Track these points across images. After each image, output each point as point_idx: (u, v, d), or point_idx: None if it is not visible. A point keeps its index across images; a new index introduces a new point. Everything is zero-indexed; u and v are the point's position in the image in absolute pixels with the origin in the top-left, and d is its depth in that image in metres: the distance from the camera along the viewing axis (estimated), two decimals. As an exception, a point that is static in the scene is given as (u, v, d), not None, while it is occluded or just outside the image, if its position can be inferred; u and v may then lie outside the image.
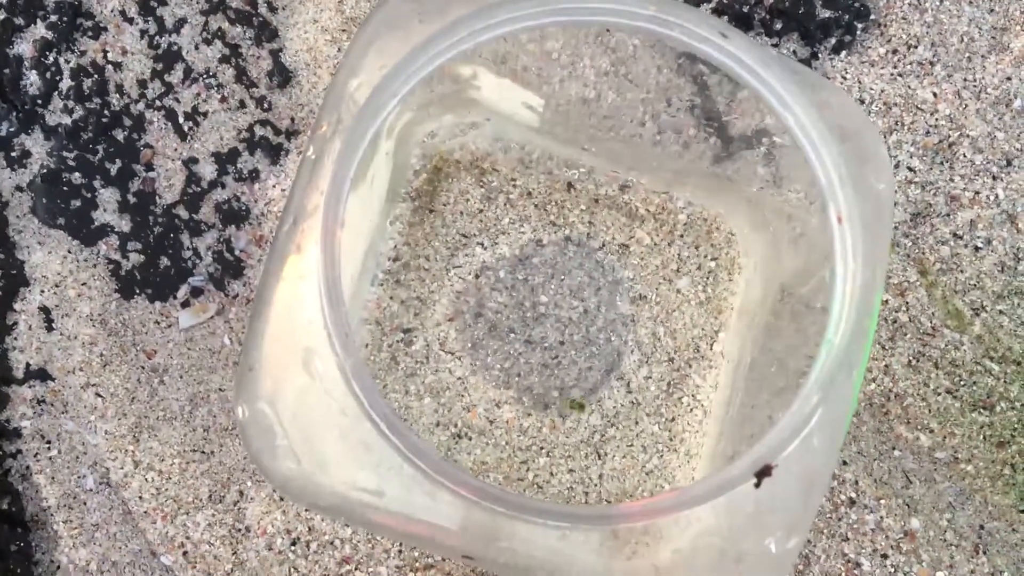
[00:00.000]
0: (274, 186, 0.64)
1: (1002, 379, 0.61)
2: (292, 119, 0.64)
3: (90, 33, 0.64)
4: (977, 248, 0.62)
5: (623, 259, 0.60)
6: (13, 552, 0.60)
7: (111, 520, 0.61)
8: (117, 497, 0.61)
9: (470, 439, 0.58)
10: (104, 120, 0.64)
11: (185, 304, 0.63)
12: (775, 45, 0.64)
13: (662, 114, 0.55)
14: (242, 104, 0.64)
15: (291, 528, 0.61)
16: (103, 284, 0.63)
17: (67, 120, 0.63)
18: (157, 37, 0.64)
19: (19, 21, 0.64)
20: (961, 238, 0.62)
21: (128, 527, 0.61)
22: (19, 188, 0.63)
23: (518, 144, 0.60)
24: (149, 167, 0.64)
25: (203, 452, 0.62)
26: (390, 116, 0.45)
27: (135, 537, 0.61)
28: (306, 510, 0.61)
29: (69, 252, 0.63)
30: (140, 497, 0.61)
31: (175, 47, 0.64)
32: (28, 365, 0.62)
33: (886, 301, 0.62)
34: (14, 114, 0.63)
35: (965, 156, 0.63)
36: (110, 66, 0.64)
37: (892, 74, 0.63)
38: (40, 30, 0.64)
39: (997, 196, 0.62)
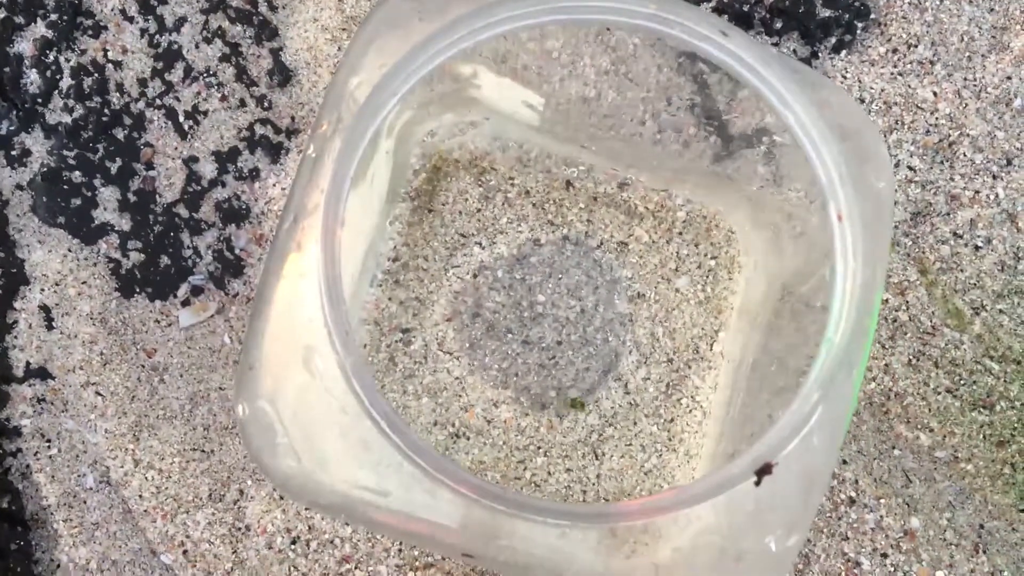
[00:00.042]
0: (274, 185, 0.64)
1: (1002, 378, 0.61)
2: (292, 118, 0.64)
3: (90, 32, 0.64)
4: (977, 247, 0.62)
5: (621, 258, 0.59)
6: (13, 551, 0.60)
7: (111, 519, 0.61)
8: (117, 496, 0.61)
9: (468, 439, 0.58)
10: (104, 119, 0.64)
11: (185, 303, 0.63)
12: (775, 44, 0.64)
13: (662, 113, 0.55)
14: (242, 103, 0.64)
15: (291, 527, 0.61)
16: (103, 283, 0.63)
17: (67, 119, 0.63)
18: (157, 36, 0.64)
19: (19, 20, 0.64)
20: (961, 237, 0.62)
21: (128, 526, 0.61)
22: (19, 186, 0.63)
23: (516, 143, 0.60)
24: (149, 166, 0.64)
25: (203, 451, 0.62)
26: (390, 115, 0.45)
27: (135, 536, 0.61)
28: (306, 509, 0.61)
29: (69, 251, 0.63)
30: (140, 496, 0.61)
31: (175, 46, 0.64)
32: (28, 364, 0.62)
33: (886, 300, 0.62)
34: (14, 112, 0.63)
35: (965, 155, 0.63)
36: (110, 65, 0.64)
37: (892, 73, 0.63)
38: (40, 29, 0.64)
39: (997, 195, 0.62)
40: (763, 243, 0.58)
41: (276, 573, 0.60)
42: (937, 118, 0.63)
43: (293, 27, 0.65)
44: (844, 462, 0.60)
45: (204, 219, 0.63)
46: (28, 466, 0.62)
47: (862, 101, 0.63)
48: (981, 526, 0.60)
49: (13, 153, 0.63)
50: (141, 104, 0.64)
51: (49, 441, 0.62)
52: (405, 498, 0.45)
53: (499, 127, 0.59)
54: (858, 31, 0.63)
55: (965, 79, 0.63)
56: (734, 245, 0.59)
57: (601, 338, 0.59)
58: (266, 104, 0.64)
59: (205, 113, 0.64)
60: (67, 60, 0.64)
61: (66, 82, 0.64)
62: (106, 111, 0.64)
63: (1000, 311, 0.62)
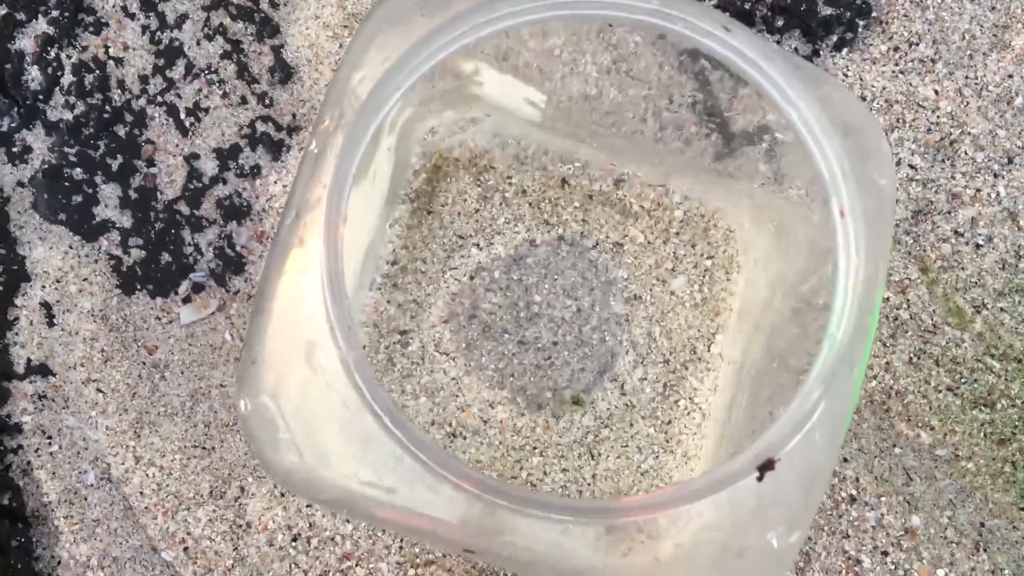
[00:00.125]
0: (275, 182, 0.64)
1: (1003, 376, 0.61)
2: (293, 115, 0.64)
3: (91, 29, 0.64)
4: (978, 246, 0.62)
5: (617, 258, 0.59)
6: (14, 548, 0.60)
7: (112, 516, 0.61)
8: (118, 493, 0.61)
9: (464, 438, 0.58)
10: (105, 116, 0.64)
11: (186, 300, 0.63)
12: (777, 42, 0.64)
13: (664, 111, 0.55)
14: (243, 100, 0.64)
15: (292, 524, 0.61)
16: (104, 280, 0.63)
17: (68, 116, 0.63)
18: (159, 33, 0.64)
19: (20, 16, 0.64)
20: (962, 235, 0.62)
21: (129, 523, 0.61)
22: (20, 183, 0.63)
23: (515, 139, 0.60)
24: (150, 163, 0.64)
25: (204, 448, 0.62)
26: (392, 112, 0.45)
27: (136, 533, 0.61)
28: (307, 506, 0.61)
29: (70, 248, 0.63)
30: (141, 493, 0.61)
31: (177, 43, 0.64)
32: (29, 360, 0.62)
33: (887, 298, 0.62)
34: (15, 109, 0.63)
35: (966, 154, 0.63)
36: (111, 62, 0.64)
37: (894, 71, 0.63)
38: (42, 25, 0.64)
39: (998, 194, 0.62)
40: (764, 241, 0.58)
41: (277, 570, 0.60)
42: (938, 116, 0.63)
43: (294, 24, 0.65)
44: (845, 460, 0.60)
45: (205, 216, 0.63)
46: (29, 463, 0.62)
47: (863, 99, 0.63)
48: (982, 524, 0.60)
49: (14, 150, 0.63)
50: (142, 101, 0.64)
51: (50, 438, 0.62)
52: (407, 494, 0.45)
53: (500, 124, 0.59)
54: (859, 29, 0.63)
55: (966, 77, 0.63)
56: (732, 244, 0.59)
57: (597, 338, 0.59)
58: (267, 101, 0.64)
59: (206, 110, 0.64)
60: (68, 57, 0.64)
61: (67, 79, 0.64)
62: (107, 108, 0.64)
63: (1001, 309, 0.62)
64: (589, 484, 0.57)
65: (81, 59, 0.64)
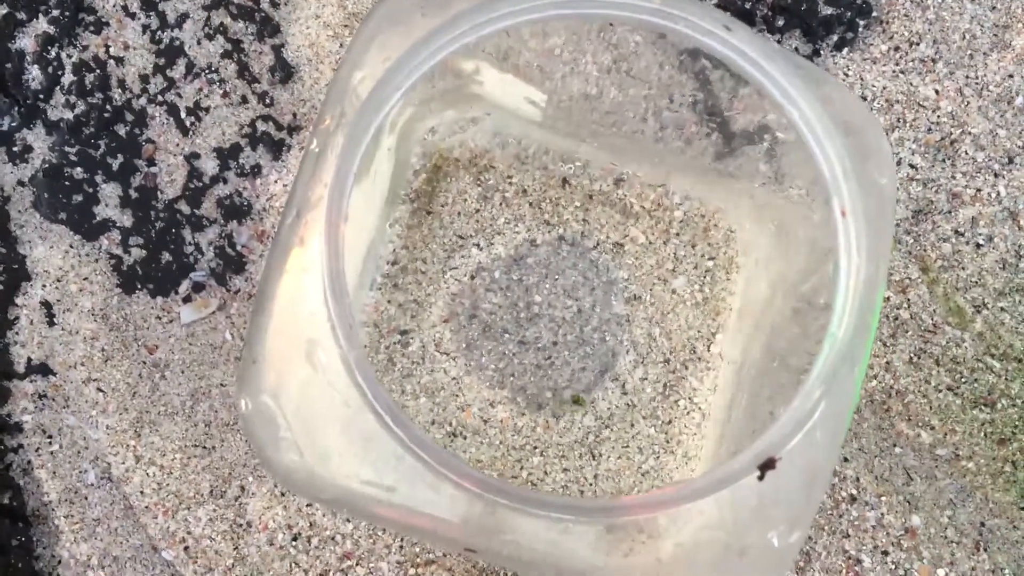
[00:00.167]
0: (276, 181, 0.64)
1: (1003, 376, 0.61)
2: (294, 114, 0.64)
3: (92, 28, 0.64)
4: (979, 245, 0.62)
5: (617, 259, 0.59)
6: (14, 547, 0.60)
7: (112, 515, 0.61)
8: (118, 492, 0.61)
9: (465, 438, 0.58)
10: (106, 115, 0.64)
11: (187, 299, 0.63)
12: (777, 41, 0.64)
13: (664, 110, 0.55)
14: (244, 99, 0.64)
15: (292, 523, 0.61)
16: (105, 279, 0.63)
17: (69, 115, 0.63)
18: (159, 32, 0.64)
19: (21, 16, 0.64)
20: (963, 235, 0.62)
21: (129, 522, 0.61)
22: (21, 183, 0.63)
23: (516, 139, 0.60)
24: (151, 162, 0.64)
25: (204, 447, 0.62)
26: (392, 111, 0.45)
27: (136, 532, 0.61)
28: (307, 505, 0.61)
29: (71, 247, 0.63)
30: (141, 492, 0.61)
31: (177, 42, 0.64)
32: (29, 360, 0.62)
33: (887, 298, 0.62)
34: (16, 109, 0.63)
35: (967, 153, 0.63)
36: (112, 61, 0.64)
37: (894, 71, 0.63)
38: (42, 25, 0.64)
39: (999, 193, 0.62)
40: (764, 241, 0.58)
41: (277, 569, 0.60)
42: (939, 116, 0.63)
43: (295, 23, 0.65)
44: (845, 460, 0.60)
45: (206, 215, 0.63)
46: (29, 462, 0.62)
47: (864, 99, 0.63)
48: (982, 524, 0.60)
49: (15, 149, 0.63)
50: (143, 100, 0.64)
51: (50, 437, 0.62)
52: (407, 493, 0.45)
53: (500, 123, 0.59)
54: (860, 29, 0.63)
55: (967, 77, 0.63)
56: (733, 245, 0.59)
57: (598, 338, 0.59)
58: (268, 101, 0.64)
59: (207, 109, 0.64)
60: (69, 56, 0.64)
61: (68, 78, 0.64)
62: (108, 107, 0.64)
63: (1001, 309, 0.62)
64: (591, 484, 0.57)
65: (82, 58, 0.64)
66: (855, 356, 0.44)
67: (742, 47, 0.44)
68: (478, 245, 0.59)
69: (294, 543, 0.61)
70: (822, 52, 0.64)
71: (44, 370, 0.62)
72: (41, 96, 0.63)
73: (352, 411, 0.43)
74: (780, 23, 0.64)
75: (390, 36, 0.48)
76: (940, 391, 0.61)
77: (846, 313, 0.43)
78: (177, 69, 0.64)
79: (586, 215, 0.60)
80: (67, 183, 0.63)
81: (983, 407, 0.61)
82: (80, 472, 0.62)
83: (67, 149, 0.63)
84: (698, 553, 0.46)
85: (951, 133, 0.63)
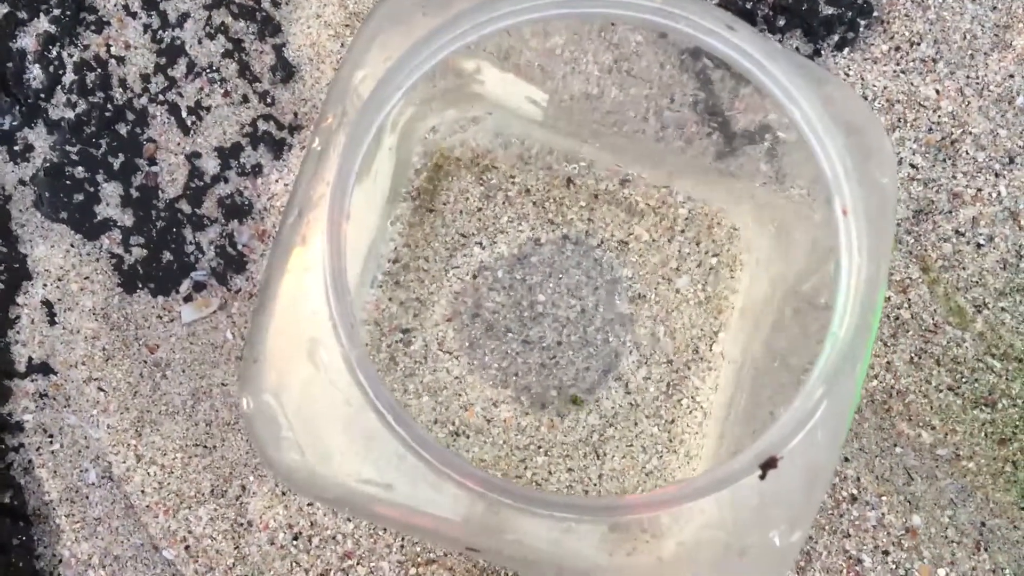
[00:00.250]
0: (277, 181, 0.64)
1: (1004, 376, 0.61)
2: (295, 114, 0.64)
3: (93, 27, 0.64)
4: (979, 245, 0.62)
5: (622, 257, 0.59)
6: (15, 546, 0.60)
7: (113, 514, 0.61)
8: (119, 491, 0.61)
9: (468, 437, 0.58)
10: (107, 114, 0.64)
11: (188, 299, 0.63)
12: (778, 41, 0.64)
13: (665, 110, 0.55)
14: (245, 99, 0.64)
15: (293, 523, 0.61)
16: (106, 278, 0.63)
17: (70, 114, 0.63)
18: (160, 31, 0.64)
19: (22, 15, 0.64)
20: (963, 235, 0.62)
21: (130, 521, 0.61)
22: (22, 182, 0.63)
23: (518, 139, 0.60)
24: (152, 161, 0.64)
25: (205, 447, 0.62)
26: (393, 111, 0.45)
27: (137, 531, 0.61)
28: (308, 504, 0.61)
29: (72, 246, 0.63)
30: (142, 491, 0.61)
31: (178, 41, 0.64)
32: (30, 359, 0.62)
33: (888, 298, 0.62)
34: (17, 108, 0.63)
35: (967, 153, 0.63)
36: (113, 60, 0.64)
37: (895, 71, 0.63)
38: (43, 24, 0.64)
39: (999, 193, 0.62)
40: (766, 241, 0.58)
41: (278, 569, 0.60)
42: (939, 116, 0.63)
43: (296, 23, 0.65)
44: (846, 459, 0.60)
45: (207, 215, 0.63)
46: (30, 461, 0.62)
47: (865, 99, 0.63)
48: (983, 524, 0.60)
49: (16, 148, 0.63)
50: (144, 100, 0.64)
51: (51, 436, 0.62)
52: (409, 492, 0.45)
53: (502, 123, 0.59)
54: (861, 29, 0.64)
55: (967, 77, 0.63)
56: (736, 243, 0.59)
57: (601, 338, 0.59)
58: (269, 100, 0.64)
59: (208, 109, 0.64)
60: (70, 55, 0.64)
61: (69, 77, 0.64)
62: (109, 107, 0.64)
63: (1002, 309, 0.62)
64: (595, 484, 0.57)
65: (83, 58, 0.64)
66: (856, 355, 0.44)
67: (744, 46, 0.44)
68: (481, 244, 0.59)
69: (295, 542, 0.61)
70: (823, 52, 0.64)
71: (45, 369, 0.62)
72: (42, 95, 0.63)
73: (354, 410, 0.43)
74: (781, 23, 0.64)
75: (391, 35, 0.48)
76: (941, 391, 0.61)
77: (847, 313, 0.43)
78: (178, 68, 0.64)
79: (591, 214, 0.60)
80: (68, 182, 0.63)
81: (984, 407, 0.61)
82: (81, 471, 0.61)
83: (68, 148, 0.63)
84: (699, 552, 0.46)
85: (952, 133, 0.63)
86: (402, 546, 0.60)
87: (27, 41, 0.64)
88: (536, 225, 0.60)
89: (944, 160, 0.63)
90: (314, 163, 0.46)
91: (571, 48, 0.54)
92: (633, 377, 0.58)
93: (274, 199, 0.64)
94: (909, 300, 0.62)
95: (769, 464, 0.42)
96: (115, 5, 0.64)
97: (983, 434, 0.61)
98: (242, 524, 0.61)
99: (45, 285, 0.62)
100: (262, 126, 0.64)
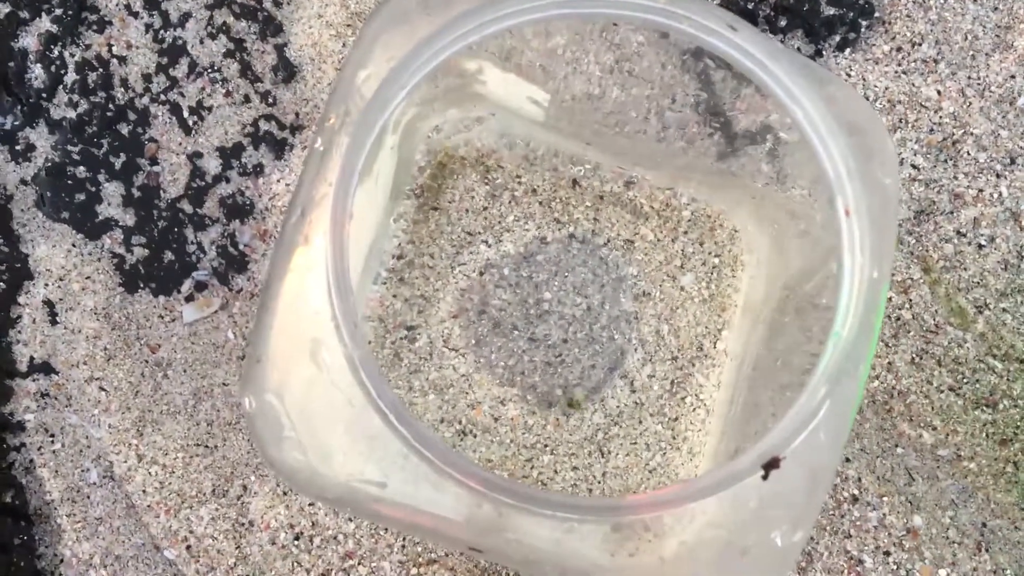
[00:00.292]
0: (278, 181, 0.64)
1: (1005, 377, 0.61)
2: (297, 114, 0.64)
3: (95, 27, 0.64)
4: (980, 246, 0.62)
5: (627, 256, 0.60)
6: (16, 546, 0.60)
7: (114, 514, 0.61)
8: (121, 491, 0.61)
9: (475, 436, 0.58)
10: (109, 114, 0.64)
11: (189, 298, 0.63)
12: (780, 42, 0.64)
13: (666, 110, 0.55)
14: (247, 99, 0.64)
15: (294, 522, 0.61)
16: (107, 278, 0.63)
17: (72, 114, 0.63)
18: (162, 31, 0.64)
19: (24, 15, 0.64)
20: (964, 236, 0.62)
21: (131, 521, 0.61)
22: (24, 182, 0.63)
23: (523, 140, 0.60)
24: (153, 161, 0.64)
25: (207, 446, 0.62)
26: (396, 111, 0.45)
27: (138, 531, 0.61)
28: (310, 504, 0.61)
29: (73, 246, 0.63)
30: (144, 491, 0.61)
31: (180, 41, 0.64)
32: (32, 358, 0.62)
33: (890, 298, 0.62)
34: (19, 107, 0.63)
35: (969, 154, 0.63)
36: (115, 60, 0.64)
37: (896, 71, 0.63)
38: (45, 24, 0.64)
39: (1001, 194, 0.62)
40: (766, 241, 0.58)
41: (279, 569, 0.60)
42: (941, 117, 0.63)
43: (298, 23, 0.65)
44: (847, 460, 0.60)
45: (208, 215, 0.63)
46: (32, 461, 0.62)
47: (866, 99, 0.63)
48: (984, 524, 0.60)
49: (18, 148, 0.63)
50: (145, 99, 0.64)
51: (53, 436, 0.62)
52: (412, 491, 0.45)
53: (505, 124, 0.59)
54: (862, 29, 0.64)
55: (969, 78, 0.63)
56: (738, 244, 0.59)
57: (607, 336, 0.59)
58: (270, 100, 0.64)
59: (209, 109, 0.64)
60: (72, 55, 0.64)
61: (70, 77, 0.64)
62: (110, 106, 0.64)
63: (1003, 310, 0.62)
64: (599, 483, 0.57)
65: (84, 57, 0.64)
66: (859, 356, 0.45)
67: (746, 46, 0.44)
68: (487, 242, 0.59)
69: (296, 542, 0.61)
70: (824, 52, 0.64)
71: (46, 369, 0.62)
72: (44, 95, 0.63)
73: (356, 410, 0.43)
74: (783, 23, 0.64)
75: (394, 35, 0.48)
76: (942, 392, 0.61)
77: (850, 313, 0.43)
78: (180, 68, 0.64)
79: (597, 214, 0.60)
80: (70, 182, 0.63)
81: (985, 408, 0.61)
82: (82, 471, 0.61)
83: (70, 148, 0.63)
84: (701, 552, 0.46)
85: (953, 134, 0.63)
86: (403, 546, 0.60)
87: (29, 41, 0.64)
88: (542, 224, 0.60)
89: (945, 161, 0.63)
90: (317, 163, 0.46)
91: (573, 48, 0.54)
92: (638, 374, 0.58)
93: (275, 199, 0.64)
94: (910, 301, 0.62)
95: (772, 464, 0.42)
96: (117, 5, 0.64)
97: (984, 435, 0.61)
98: (243, 524, 0.61)
99: (47, 285, 0.62)
100: (264, 126, 0.64)
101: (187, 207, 0.63)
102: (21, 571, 0.60)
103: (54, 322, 0.62)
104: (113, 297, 0.62)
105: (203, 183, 0.64)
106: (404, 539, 0.60)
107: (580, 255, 0.59)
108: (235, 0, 0.64)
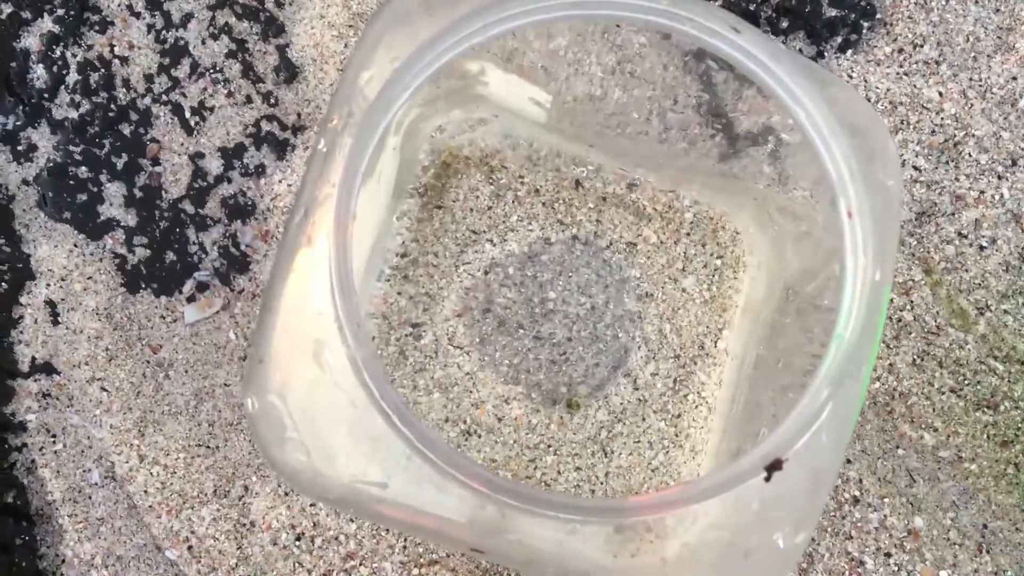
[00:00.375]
0: (280, 181, 0.64)
1: (1006, 378, 0.61)
2: (298, 114, 0.64)
3: (97, 27, 0.64)
4: (982, 247, 0.62)
5: (630, 258, 0.60)
6: (18, 546, 0.60)
7: (116, 514, 0.61)
8: (122, 491, 0.61)
9: (479, 436, 0.58)
10: (111, 114, 0.64)
11: (191, 299, 0.63)
12: (782, 43, 0.64)
13: (668, 111, 0.55)
14: (248, 99, 0.64)
15: (296, 523, 0.61)
16: (109, 278, 0.63)
17: (74, 114, 0.63)
18: (164, 32, 0.64)
19: (26, 15, 0.64)
20: (966, 237, 0.62)
21: (133, 521, 0.61)
22: (26, 182, 0.63)
23: (526, 141, 0.60)
24: (155, 161, 0.64)
25: (208, 447, 0.62)
26: (399, 111, 0.45)
27: (140, 531, 0.61)
28: (311, 505, 0.61)
29: (75, 246, 0.63)
30: (145, 491, 0.61)
31: (182, 42, 0.64)
32: (34, 359, 0.62)
33: (891, 300, 0.62)
34: (21, 108, 0.63)
35: (970, 155, 0.63)
36: (117, 60, 0.64)
37: (898, 73, 0.63)
38: (47, 24, 0.64)
39: (1002, 195, 0.62)
40: (768, 243, 0.58)
41: (281, 569, 0.60)
42: (942, 118, 0.63)
43: (300, 24, 0.65)
44: (848, 461, 0.60)
45: (210, 215, 0.63)
46: (33, 461, 0.62)
47: (868, 101, 0.63)
48: (985, 526, 0.60)
49: (19, 148, 0.63)
50: (147, 100, 0.64)
51: (54, 436, 0.62)
52: (415, 492, 0.45)
53: (508, 125, 0.59)
54: (864, 31, 0.64)
55: (970, 79, 0.63)
56: (739, 245, 0.59)
57: (611, 334, 0.59)
58: (272, 101, 0.64)
59: (211, 109, 0.64)
60: (73, 55, 0.64)
61: (72, 77, 0.64)
62: (112, 107, 0.64)
63: (1005, 311, 0.62)
64: (602, 483, 0.57)
65: (86, 58, 0.64)
66: (861, 357, 0.44)
67: (748, 48, 0.44)
68: (491, 241, 0.59)
69: (298, 543, 0.61)
70: (826, 54, 0.64)
71: (48, 369, 0.62)
72: (46, 95, 0.63)
73: (359, 411, 0.43)
74: (784, 25, 0.64)
75: (396, 36, 0.48)
76: (943, 393, 0.61)
77: (853, 314, 0.43)
78: (182, 69, 0.64)
79: (599, 216, 0.60)
80: (71, 182, 0.63)
81: (986, 409, 0.61)
82: (84, 471, 0.61)
83: (72, 148, 0.63)
84: (703, 553, 0.46)
85: (955, 135, 0.63)
86: (405, 547, 0.60)
87: (31, 41, 0.64)
88: (546, 225, 0.60)
89: (947, 162, 0.63)
90: (320, 164, 0.46)
91: (575, 49, 0.54)
92: (641, 373, 0.58)
93: (277, 199, 0.64)
94: (912, 302, 0.62)
95: (774, 466, 0.42)
96: (119, 5, 0.64)
97: (985, 436, 0.61)
98: (245, 524, 0.61)
99: (48, 285, 0.62)
100: (265, 127, 0.64)
101: (189, 207, 0.63)
102: (23, 571, 0.60)
103: (56, 322, 0.62)
104: (115, 297, 0.62)
105: (205, 183, 0.64)
106: (406, 540, 0.60)
107: (583, 257, 0.60)
108: (237, 1, 0.64)
